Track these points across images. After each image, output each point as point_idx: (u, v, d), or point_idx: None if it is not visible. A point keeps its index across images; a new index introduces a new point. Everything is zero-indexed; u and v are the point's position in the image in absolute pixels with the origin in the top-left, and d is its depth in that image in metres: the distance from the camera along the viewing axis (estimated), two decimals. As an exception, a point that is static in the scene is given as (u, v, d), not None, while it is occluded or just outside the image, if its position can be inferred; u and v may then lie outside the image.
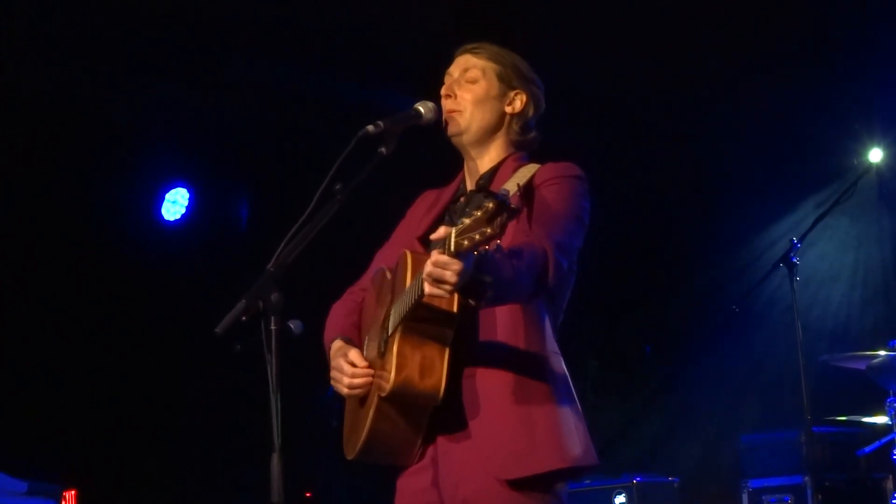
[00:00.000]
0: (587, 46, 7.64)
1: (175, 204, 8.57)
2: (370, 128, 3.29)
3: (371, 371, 3.37)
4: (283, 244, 3.15)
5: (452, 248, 2.79)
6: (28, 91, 7.55)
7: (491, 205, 2.73)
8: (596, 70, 7.91)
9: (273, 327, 3.00)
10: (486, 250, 2.79)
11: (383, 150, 3.30)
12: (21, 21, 7.02)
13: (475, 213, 2.76)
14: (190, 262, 8.47)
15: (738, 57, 7.84)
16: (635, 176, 9.02)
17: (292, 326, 3.09)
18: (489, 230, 2.73)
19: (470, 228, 2.76)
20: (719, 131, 8.56)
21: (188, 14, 7.23)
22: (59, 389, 7.94)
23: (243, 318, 3.02)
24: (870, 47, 7.69)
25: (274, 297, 3.01)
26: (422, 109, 3.46)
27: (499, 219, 2.73)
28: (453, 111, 3.51)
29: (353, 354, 3.41)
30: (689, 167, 8.87)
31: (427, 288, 2.92)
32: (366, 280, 3.74)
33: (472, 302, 2.98)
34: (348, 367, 3.39)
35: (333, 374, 3.46)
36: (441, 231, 2.86)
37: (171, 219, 8.56)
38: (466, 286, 2.92)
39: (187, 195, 8.57)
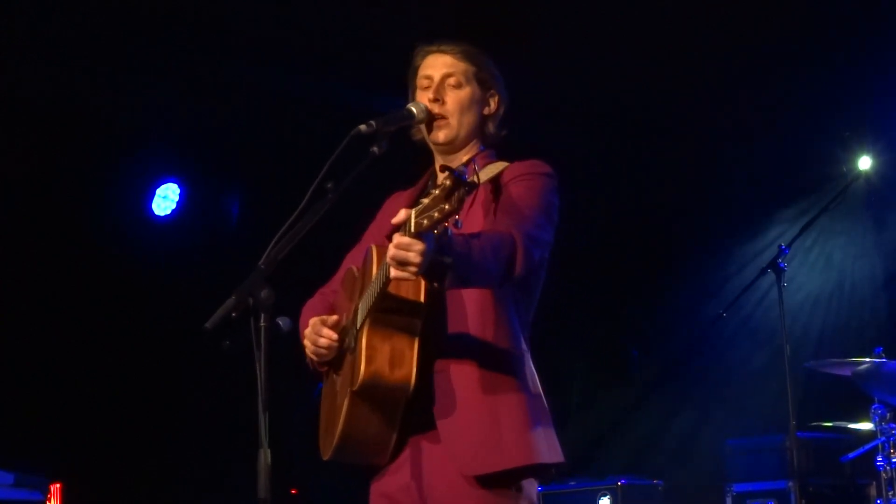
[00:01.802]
0: (576, 55, 7.66)
1: (166, 199, 8.55)
2: (362, 127, 3.29)
3: (334, 334, 3.39)
4: (273, 241, 3.15)
5: (413, 228, 2.80)
6: (18, 88, 7.54)
7: (448, 182, 2.74)
8: (589, 77, 7.92)
9: (262, 324, 3.01)
10: (445, 228, 2.80)
11: (375, 149, 3.31)
12: (14, 20, 7.01)
13: (433, 192, 2.78)
14: (180, 258, 8.45)
15: (728, 64, 7.85)
16: (625, 181, 9.04)
17: (281, 323, 3.10)
18: (447, 206, 2.74)
19: (428, 207, 2.77)
20: (710, 138, 8.58)
21: (180, 12, 7.23)
22: (47, 383, 7.93)
23: (233, 315, 3.03)
24: (861, 55, 7.71)
25: (264, 293, 3.02)
26: (414, 110, 3.48)
27: (456, 194, 2.74)
28: (442, 116, 3.52)
29: (330, 318, 3.43)
30: (679, 173, 8.88)
31: (392, 272, 2.92)
32: (336, 281, 3.74)
33: (435, 284, 2.99)
34: (319, 328, 3.41)
35: (308, 334, 3.46)
36: (401, 214, 2.86)
37: (162, 214, 8.54)
38: (429, 268, 2.92)
39: (178, 190, 8.55)
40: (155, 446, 8.33)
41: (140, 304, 8.28)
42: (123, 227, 8.39)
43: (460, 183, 2.74)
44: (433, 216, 2.76)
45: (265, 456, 2.96)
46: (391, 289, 3.10)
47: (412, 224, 2.80)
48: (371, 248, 3.34)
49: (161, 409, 8.32)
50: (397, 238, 2.86)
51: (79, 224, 8.08)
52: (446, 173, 2.76)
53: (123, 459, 8.18)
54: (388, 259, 2.90)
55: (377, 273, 3.18)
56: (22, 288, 7.82)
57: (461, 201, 2.74)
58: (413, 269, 2.89)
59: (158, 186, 8.53)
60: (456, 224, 2.79)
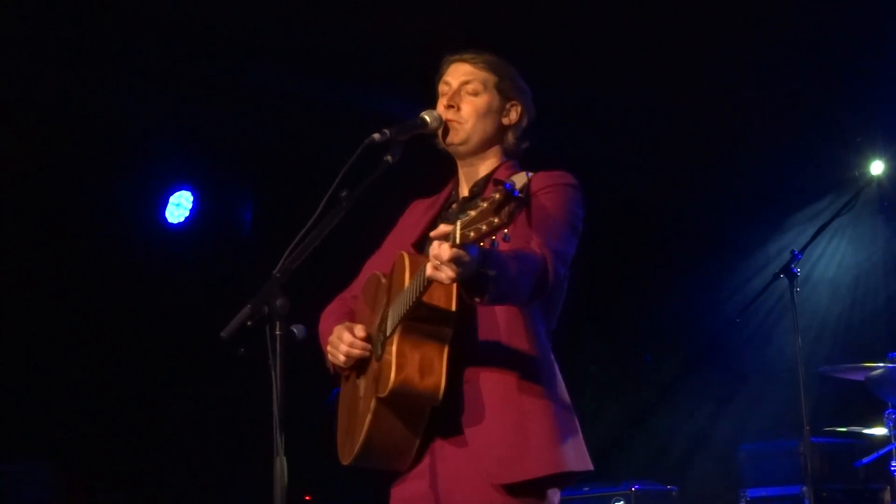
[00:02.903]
0: (588, 56, 7.66)
1: (179, 207, 8.56)
2: (376, 136, 3.31)
3: (368, 346, 3.40)
4: (288, 250, 3.16)
5: (458, 239, 2.79)
6: (33, 93, 7.57)
7: (498, 195, 2.73)
8: (597, 80, 7.93)
9: (278, 332, 3.02)
10: (492, 241, 2.79)
11: (389, 157, 3.32)
12: (28, 25, 7.04)
13: (481, 204, 2.76)
14: (193, 265, 8.48)
15: (740, 70, 7.85)
16: (639, 187, 9.04)
17: (295, 331, 3.11)
18: (496, 220, 2.73)
19: (476, 220, 2.76)
20: (722, 143, 8.58)
21: (194, 18, 7.25)
22: (62, 390, 7.96)
23: (248, 323, 3.05)
24: (873, 59, 7.71)
25: (279, 302, 3.03)
26: (427, 118, 3.49)
27: (507, 208, 2.72)
28: (456, 122, 3.53)
29: (359, 328, 3.44)
30: (692, 178, 8.88)
31: (429, 270, 2.92)
32: (356, 287, 3.75)
33: (477, 299, 2.99)
34: (348, 337, 3.42)
35: (332, 340, 3.48)
36: (441, 228, 2.86)
37: (175, 221, 8.56)
38: (470, 280, 2.93)
39: (191, 198, 8.57)
40: (169, 454, 8.35)
41: (154, 312, 8.30)
42: (137, 234, 8.40)
43: (511, 198, 2.72)
44: (481, 229, 2.75)
45: (281, 464, 2.97)
46: (423, 297, 3.11)
47: (457, 235, 2.79)
48: (403, 255, 3.34)
49: (175, 417, 8.34)
50: (445, 248, 2.85)
51: (93, 232, 8.10)
52: (498, 186, 2.74)
53: (140, 467, 8.20)
54: (431, 257, 2.90)
55: (410, 282, 3.18)
56: (37, 295, 7.85)
57: (511, 216, 2.73)
58: (452, 274, 2.89)
59: (172, 194, 8.54)
60: (504, 238, 2.78)
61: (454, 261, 2.85)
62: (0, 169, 7.61)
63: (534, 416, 3.27)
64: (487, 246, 2.83)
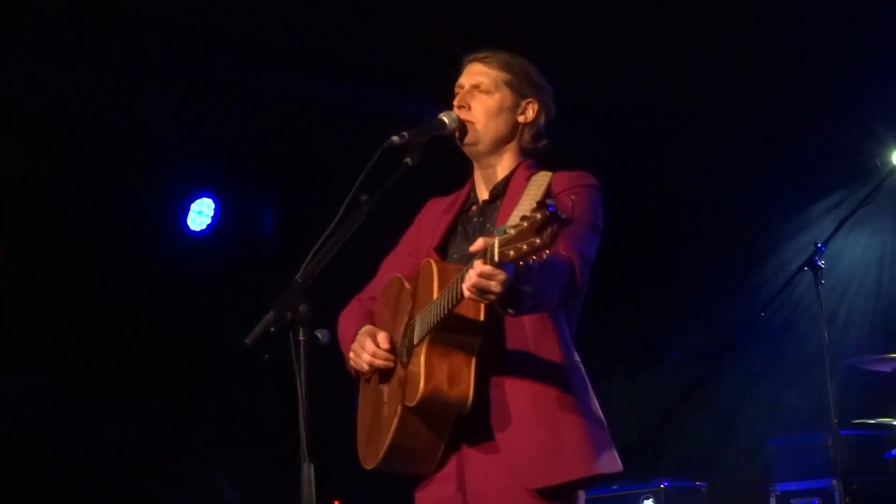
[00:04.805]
0: (603, 55, 7.64)
1: (201, 214, 8.57)
2: (395, 138, 3.31)
3: (391, 357, 3.40)
4: (310, 255, 3.17)
5: (497, 258, 2.79)
6: (54, 102, 7.59)
7: (540, 216, 2.72)
8: (613, 79, 7.91)
9: (301, 338, 3.03)
10: (531, 260, 2.78)
11: (408, 160, 3.32)
12: (50, 30, 7.07)
13: (521, 223, 2.75)
14: (216, 273, 8.49)
15: (757, 60, 7.82)
16: (661, 183, 9.02)
17: (319, 336, 3.12)
18: (538, 241, 2.72)
19: (516, 239, 2.75)
20: (743, 137, 8.55)
21: (213, 25, 7.27)
22: (84, 397, 7.98)
23: (272, 330, 3.05)
24: (891, 47, 7.67)
25: (302, 307, 3.04)
26: (445, 119, 3.49)
27: (549, 229, 2.71)
28: (468, 122, 3.52)
29: (382, 337, 3.43)
30: (712, 173, 8.85)
31: (467, 293, 2.93)
32: (373, 288, 3.75)
33: (511, 311, 3.00)
34: (371, 346, 3.42)
35: (355, 347, 3.48)
36: (480, 242, 2.87)
37: (197, 229, 8.57)
38: (504, 296, 2.93)
39: (213, 205, 8.58)
40: (194, 461, 8.36)
41: (177, 320, 8.31)
42: (159, 242, 8.42)
43: (555, 218, 2.71)
44: (521, 248, 2.74)
45: (308, 470, 2.97)
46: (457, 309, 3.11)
47: (496, 253, 2.79)
48: (430, 264, 3.32)
49: (202, 423, 8.36)
50: (479, 266, 2.86)
51: (115, 240, 8.12)
52: (541, 206, 2.73)
53: (160, 475, 8.22)
54: (468, 285, 2.91)
55: (440, 293, 3.18)
56: (59, 305, 7.87)
57: (554, 237, 2.72)
58: (492, 297, 2.91)
59: (193, 202, 8.55)
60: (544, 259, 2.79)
61: (490, 277, 2.86)
62: (21, 177, 7.63)
63: (564, 419, 3.27)
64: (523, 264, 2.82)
